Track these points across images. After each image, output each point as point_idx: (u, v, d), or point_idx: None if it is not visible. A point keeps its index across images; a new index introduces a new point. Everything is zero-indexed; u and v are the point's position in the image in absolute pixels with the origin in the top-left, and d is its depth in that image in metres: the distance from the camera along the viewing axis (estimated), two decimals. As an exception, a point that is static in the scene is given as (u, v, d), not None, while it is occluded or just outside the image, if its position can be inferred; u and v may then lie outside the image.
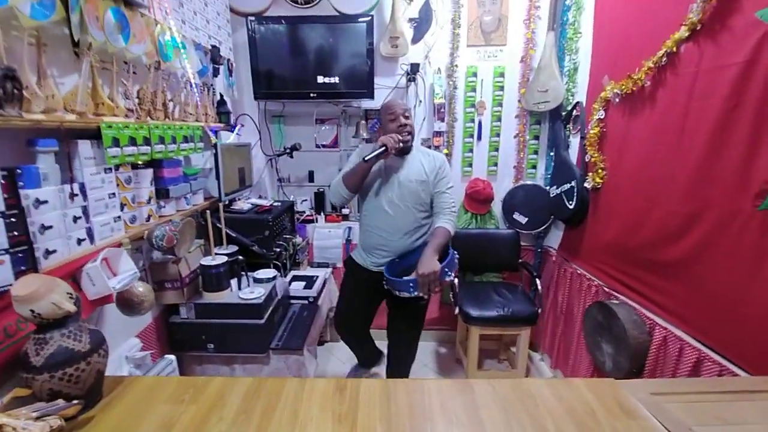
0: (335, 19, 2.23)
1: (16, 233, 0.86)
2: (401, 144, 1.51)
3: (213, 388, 0.98)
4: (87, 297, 1.06)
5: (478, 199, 2.48)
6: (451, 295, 2.36)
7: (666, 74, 1.54)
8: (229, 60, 2.10)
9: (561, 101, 2.24)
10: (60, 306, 0.81)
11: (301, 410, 0.91)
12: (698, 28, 1.36)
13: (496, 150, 2.51)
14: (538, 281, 2.28)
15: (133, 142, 1.25)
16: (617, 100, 1.81)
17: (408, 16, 2.33)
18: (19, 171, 0.89)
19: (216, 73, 1.95)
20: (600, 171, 1.94)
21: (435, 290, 1.44)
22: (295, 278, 2.29)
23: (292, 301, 2.12)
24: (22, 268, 0.88)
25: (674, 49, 1.47)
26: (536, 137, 2.48)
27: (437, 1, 2.30)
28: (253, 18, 2.20)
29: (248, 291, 1.72)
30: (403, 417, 0.88)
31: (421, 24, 2.34)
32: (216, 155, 1.80)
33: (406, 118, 1.58)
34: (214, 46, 1.88)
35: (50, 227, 0.95)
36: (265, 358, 1.77)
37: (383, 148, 1.45)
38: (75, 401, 0.82)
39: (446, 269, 1.44)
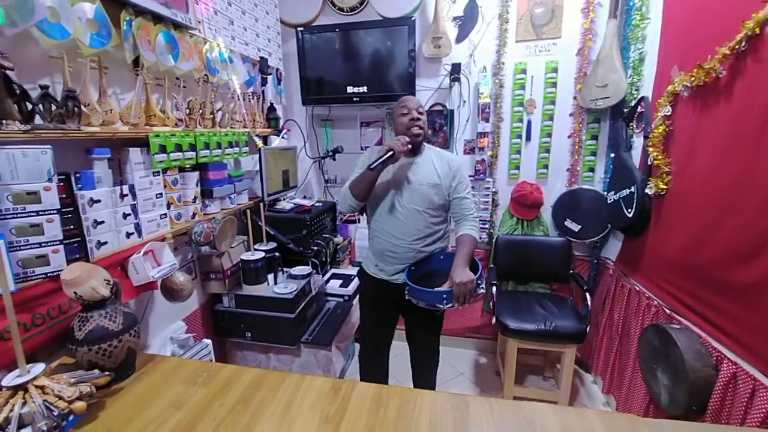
0: (378, 23, 2.26)
1: (71, 227, 1.03)
2: (409, 146, 1.44)
3: (224, 374, 1.07)
4: (132, 283, 1.22)
5: (524, 203, 2.33)
6: (491, 303, 2.25)
7: (745, 62, 1.30)
8: (277, 69, 2.25)
9: (623, 97, 2.01)
10: (97, 290, 0.96)
11: (293, 405, 0.95)
12: (785, 5, 1.13)
13: (547, 151, 2.33)
14: (588, 295, 2.07)
15: (179, 148, 1.41)
16: (686, 93, 1.57)
17: (452, 15, 2.27)
18: (77, 175, 1.07)
19: (264, 82, 2.10)
20: (664, 175, 1.70)
21: (470, 302, 1.35)
22: (334, 276, 2.37)
23: (329, 298, 2.21)
24: (76, 256, 1.05)
25: (756, 31, 1.24)
26: (594, 137, 2.25)
27: (484, -3, 2.21)
28: (302, 29, 2.32)
29: (282, 286, 1.83)
30: (387, 426, 0.88)
31: (466, 22, 2.27)
32: (260, 158, 1.94)
33: (420, 113, 1.51)
34: (262, 58, 2.03)
35: (102, 222, 1.12)
36: (296, 350, 1.87)
37: (390, 153, 1.38)
38: (106, 372, 0.96)
39: (479, 281, 1.37)
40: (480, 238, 2.29)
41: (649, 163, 1.78)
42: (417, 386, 1.85)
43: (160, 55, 1.32)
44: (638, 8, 1.94)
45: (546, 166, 2.35)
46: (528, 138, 2.33)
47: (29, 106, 0.95)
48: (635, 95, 1.99)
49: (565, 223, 2.31)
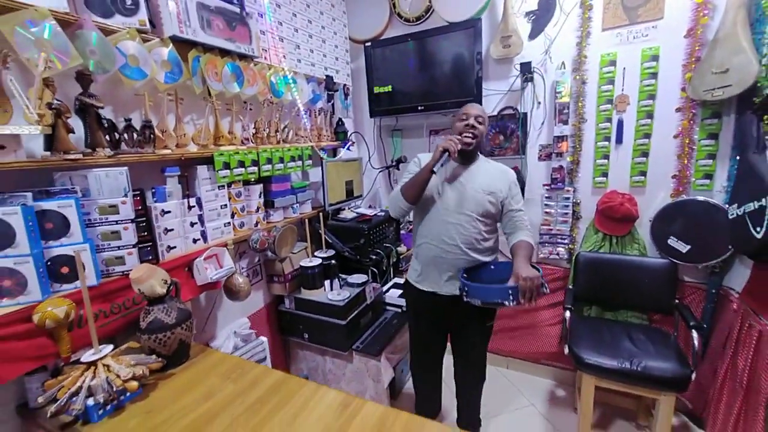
0: (443, 30, 2.20)
1: (145, 234, 1.24)
2: (462, 145, 1.40)
3: (253, 373, 1.16)
4: (196, 283, 1.41)
5: (613, 216, 1.99)
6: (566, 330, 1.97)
7: None
8: (345, 85, 2.36)
9: (751, 83, 1.56)
10: (154, 288, 1.13)
11: (301, 415, 0.98)
12: None
13: (645, 155, 1.94)
14: (695, 333, 1.66)
15: (242, 164, 1.59)
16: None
17: (524, 10, 2.08)
18: (153, 190, 1.29)
19: (330, 98, 2.22)
20: (809, 185, 1.27)
21: (536, 298, 1.27)
22: (395, 286, 2.37)
23: (387, 308, 2.21)
24: (149, 258, 1.26)
25: None
26: (713, 136, 1.80)
27: (562, -15, 1.97)
28: (369, 44, 2.40)
29: (336, 293, 1.90)
30: (381, 454, 0.84)
31: (541, 15, 2.05)
32: (322, 170, 2.06)
33: (479, 123, 1.47)
34: (328, 76, 2.16)
35: (171, 230, 1.33)
36: (348, 356, 1.92)
37: (446, 153, 1.37)
38: (159, 359, 1.13)
39: (543, 281, 1.29)
40: (557, 254, 2.05)
41: (787, 168, 1.35)
42: (462, 409, 1.74)
43: (227, 84, 1.51)
44: (776, -33, 1.50)
45: (643, 173, 1.97)
46: (619, 140, 1.99)
47: (117, 136, 1.18)
48: (771, 80, 1.54)
49: (669, 241, 1.89)
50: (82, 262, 1.01)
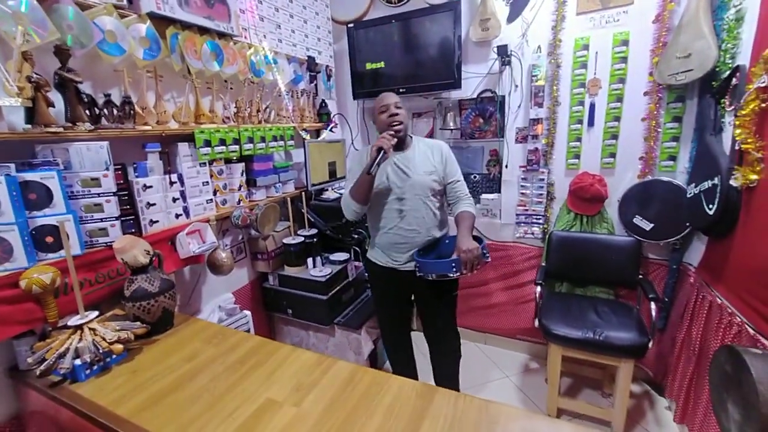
0: (422, 12, 2.23)
1: (127, 207, 1.29)
2: (395, 139, 1.47)
3: (234, 339, 1.23)
4: (179, 256, 1.46)
5: (583, 197, 2.08)
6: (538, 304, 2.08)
7: None
8: (327, 66, 2.39)
9: (710, 68, 1.65)
10: (137, 258, 1.18)
11: (277, 372, 1.06)
12: None
13: (614, 138, 2.03)
14: (653, 304, 1.77)
15: (222, 142, 1.62)
16: (786, 58, 1.23)
17: (503, -7, 2.12)
18: (134, 165, 1.32)
19: (312, 79, 2.25)
20: (755, 164, 1.37)
21: (477, 268, 1.39)
22: (377, 265, 2.44)
23: (368, 285, 2.29)
24: (132, 230, 1.31)
25: None
26: (677, 119, 1.89)
27: (540, -31, 2.01)
28: (351, 25, 2.42)
29: (318, 270, 1.97)
30: (348, 402, 0.92)
31: (519, -1, 2.10)
32: (304, 151, 2.10)
33: (398, 108, 1.53)
34: (309, 57, 2.18)
35: (153, 204, 1.37)
36: (330, 330, 2.00)
37: (381, 152, 1.42)
38: (144, 325, 1.19)
39: (484, 250, 1.43)
40: (532, 233, 2.14)
41: (737, 148, 1.44)
42: (437, 375, 1.83)
43: (206, 62, 1.53)
44: (737, -45, 1.56)
45: (612, 155, 2.06)
46: (591, 123, 2.07)
47: (96, 111, 1.21)
48: (730, 64, 1.62)
49: (634, 220, 2.00)
50: (66, 232, 1.06)
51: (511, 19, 2.14)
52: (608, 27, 1.94)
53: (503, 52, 2.10)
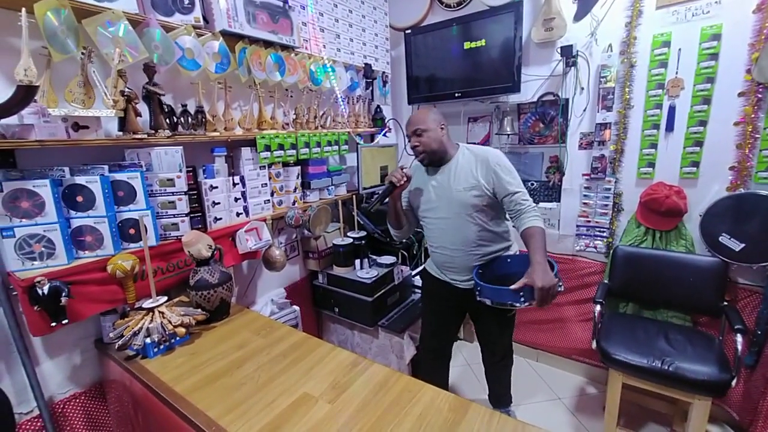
0: (482, 14, 2.18)
1: (195, 205, 1.43)
2: (405, 178, 1.45)
3: (280, 332, 1.31)
4: (238, 251, 1.59)
5: (657, 209, 1.87)
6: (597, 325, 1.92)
7: None
8: (384, 73, 2.43)
9: (828, 63, 1.39)
10: (200, 252, 1.31)
11: (315, 368, 1.11)
12: None
13: (698, 144, 1.80)
14: (739, 336, 1.54)
15: (281, 147, 1.74)
16: None
17: (570, -10, 1.99)
18: (203, 168, 1.47)
19: (369, 86, 2.31)
20: None
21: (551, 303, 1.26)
22: (425, 270, 2.43)
23: (415, 290, 2.29)
24: (198, 226, 1.46)
25: None
26: (781, 123, 1.63)
27: (613, -38, 1.86)
28: (409, 31, 2.44)
29: (365, 271, 2.01)
30: (379, 406, 0.94)
31: (588, -5, 1.95)
32: (357, 155, 2.17)
33: (418, 135, 1.45)
34: (366, 64, 2.24)
35: (218, 203, 1.51)
36: (374, 331, 2.03)
37: (389, 185, 1.45)
38: (204, 312, 1.32)
39: (559, 281, 1.26)
40: (595, 247, 1.99)
41: None
42: (491, 387, 1.80)
43: (270, 73, 1.65)
44: None
45: (695, 164, 1.82)
46: (669, 128, 1.85)
47: (174, 119, 1.37)
48: None
49: (721, 238, 1.75)
50: (145, 225, 1.21)
51: (578, 17, 2.00)
52: (695, 20, 1.73)
53: (568, 53, 1.97)
